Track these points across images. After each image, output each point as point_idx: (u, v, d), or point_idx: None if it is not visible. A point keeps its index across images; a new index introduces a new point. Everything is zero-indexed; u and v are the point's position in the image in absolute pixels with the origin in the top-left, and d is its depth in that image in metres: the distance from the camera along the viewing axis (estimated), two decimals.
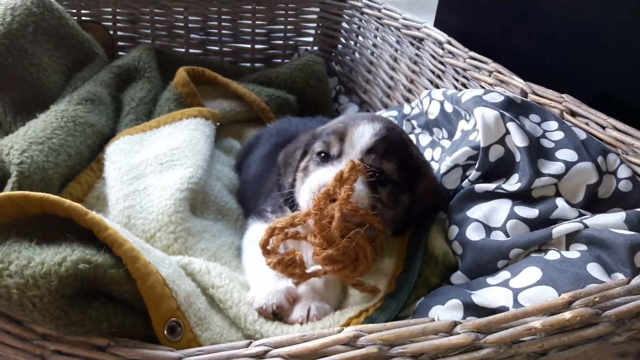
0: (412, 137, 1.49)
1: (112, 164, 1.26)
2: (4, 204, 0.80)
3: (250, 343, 0.74)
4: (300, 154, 1.10)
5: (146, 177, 1.20)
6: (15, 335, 0.75)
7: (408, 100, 1.79)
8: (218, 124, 1.55)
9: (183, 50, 2.14)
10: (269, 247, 0.94)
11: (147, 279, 0.80)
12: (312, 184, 0.98)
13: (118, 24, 2.07)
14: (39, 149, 1.20)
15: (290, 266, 0.92)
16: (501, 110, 1.08)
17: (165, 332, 0.80)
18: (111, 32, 2.03)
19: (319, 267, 0.93)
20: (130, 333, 0.79)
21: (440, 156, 1.35)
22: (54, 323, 0.73)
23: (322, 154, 1.03)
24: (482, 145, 1.07)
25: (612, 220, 0.91)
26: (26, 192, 0.81)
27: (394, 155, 1.01)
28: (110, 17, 2.04)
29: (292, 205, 1.07)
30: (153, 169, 1.22)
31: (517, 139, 1.05)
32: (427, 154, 1.40)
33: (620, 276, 0.84)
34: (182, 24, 2.11)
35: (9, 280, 0.72)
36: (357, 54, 2.19)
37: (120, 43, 2.08)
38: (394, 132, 1.06)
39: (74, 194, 1.26)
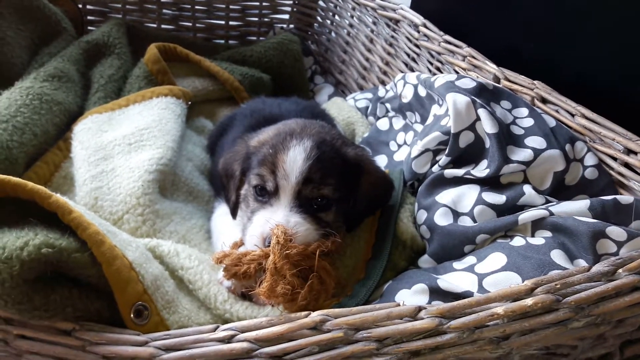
0: (385, 120, 1.49)
1: (79, 143, 1.23)
2: None
3: (217, 327, 0.74)
4: (240, 172, 1.05)
5: (114, 158, 1.17)
6: None
7: (383, 83, 1.78)
8: (189, 102, 1.52)
9: (155, 25, 2.09)
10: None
11: (113, 263, 0.80)
12: (255, 232, 0.94)
13: None
14: (3, 128, 1.17)
15: (245, 278, 0.90)
16: (472, 97, 1.09)
17: (132, 315, 0.80)
18: (80, 6, 1.96)
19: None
20: (96, 317, 0.79)
21: (412, 140, 1.35)
22: (17, 308, 0.72)
23: (258, 187, 0.99)
24: (452, 131, 1.07)
25: (576, 208, 0.93)
26: None
27: (331, 176, 0.96)
28: None
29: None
30: (121, 150, 1.19)
31: (487, 126, 1.05)
32: (400, 138, 1.40)
33: (582, 263, 0.87)
34: None
35: None
36: (333, 34, 2.17)
37: (89, 17, 2.02)
38: (325, 146, 0.98)
39: (41, 173, 1.23)
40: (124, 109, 1.38)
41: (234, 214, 1.07)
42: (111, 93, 1.54)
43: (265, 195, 0.98)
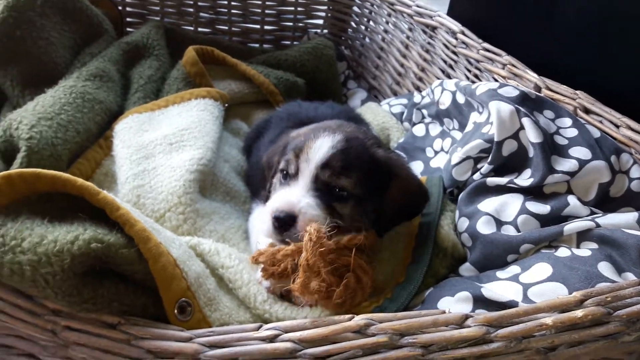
0: (421, 126, 1.49)
1: (121, 142, 1.25)
2: (16, 181, 0.79)
3: (261, 326, 0.75)
4: (277, 162, 1.07)
5: (155, 157, 1.19)
6: (27, 310, 0.76)
7: (418, 89, 1.78)
8: (226, 105, 1.54)
9: (192, 28, 2.12)
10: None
11: (159, 260, 0.81)
12: (267, 210, 0.96)
13: (127, 0, 2.04)
14: (48, 125, 1.20)
15: (282, 277, 0.91)
16: (516, 105, 1.08)
17: (176, 311, 0.81)
18: (120, 8, 2.01)
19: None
20: (141, 312, 0.80)
21: (450, 147, 1.34)
22: (66, 300, 0.74)
23: (284, 172, 1.01)
24: (496, 139, 1.06)
25: (624, 220, 0.92)
26: (38, 170, 0.81)
27: (354, 169, 0.96)
28: None
29: None
30: (162, 149, 1.21)
31: (531, 135, 1.04)
32: (437, 144, 1.40)
33: (630, 276, 0.85)
34: (191, 2, 2.08)
35: (22, 257, 0.72)
36: (367, 39, 2.17)
37: (128, 19, 2.06)
38: (354, 142, 0.99)
39: (82, 170, 1.25)
40: (164, 109, 1.40)
41: (267, 201, 1.08)
42: (150, 93, 1.56)
43: (288, 178, 1.00)
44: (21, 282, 0.73)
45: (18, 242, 0.73)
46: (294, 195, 0.95)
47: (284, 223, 0.94)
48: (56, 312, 0.76)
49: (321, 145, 0.97)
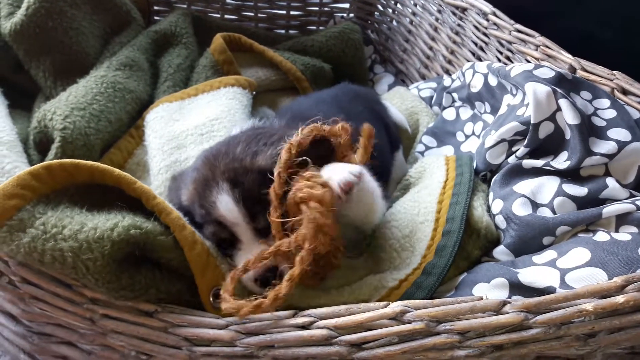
0: (452, 110, 1.46)
1: (152, 132, 1.26)
2: (56, 171, 0.81)
3: (296, 313, 0.75)
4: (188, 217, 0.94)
5: (187, 148, 1.19)
6: (66, 299, 0.78)
7: (448, 72, 1.75)
8: (254, 92, 1.53)
9: (218, 15, 2.11)
10: None
11: (194, 247, 0.82)
12: (248, 278, 0.88)
13: None
14: (81, 115, 1.21)
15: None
16: (553, 86, 1.05)
17: (211, 298, 0.82)
18: None
19: None
20: (176, 299, 0.82)
21: (481, 131, 1.32)
22: (106, 287, 0.76)
23: (219, 241, 0.93)
24: (532, 122, 1.04)
25: None
26: (77, 160, 0.83)
27: (264, 193, 0.87)
28: None
29: None
30: (194, 140, 1.21)
31: (568, 116, 1.01)
32: (468, 128, 1.37)
33: None
34: None
35: (63, 243, 0.74)
36: (394, 22, 2.14)
37: (155, 7, 2.06)
38: (240, 175, 0.90)
39: (115, 160, 1.27)
40: (193, 98, 1.40)
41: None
42: (179, 82, 1.57)
43: (232, 243, 0.93)
44: (62, 269, 0.75)
45: (59, 230, 0.75)
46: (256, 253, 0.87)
47: (272, 277, 0.86)
48: (94, 300, 0.77)
49: (229, 208, 0.89)
